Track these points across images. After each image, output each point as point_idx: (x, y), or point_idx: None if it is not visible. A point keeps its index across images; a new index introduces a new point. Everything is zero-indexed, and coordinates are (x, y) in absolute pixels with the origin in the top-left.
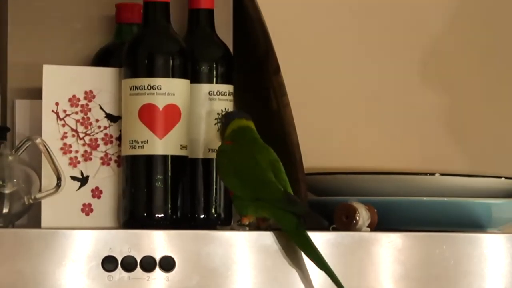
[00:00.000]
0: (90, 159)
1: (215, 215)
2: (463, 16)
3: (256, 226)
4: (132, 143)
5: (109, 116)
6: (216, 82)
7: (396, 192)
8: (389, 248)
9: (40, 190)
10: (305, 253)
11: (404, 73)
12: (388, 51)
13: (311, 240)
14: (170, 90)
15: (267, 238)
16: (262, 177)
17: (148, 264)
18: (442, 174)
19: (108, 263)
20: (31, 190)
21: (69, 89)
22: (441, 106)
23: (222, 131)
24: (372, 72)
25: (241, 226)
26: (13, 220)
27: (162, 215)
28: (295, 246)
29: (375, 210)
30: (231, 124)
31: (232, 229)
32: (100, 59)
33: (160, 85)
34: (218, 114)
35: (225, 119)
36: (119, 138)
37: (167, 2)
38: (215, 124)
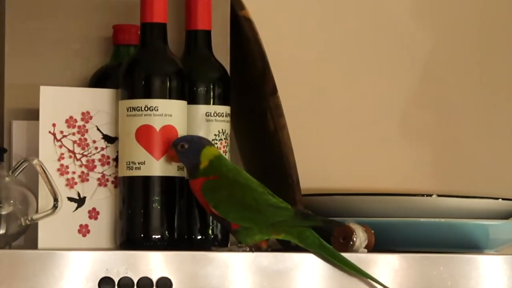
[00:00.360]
0: (87, 180)
1: (212, 236)
2: (457, 36)
3: (257, 247)
4: (129, 164)
5: (106, 137)
6: (213, 103)
7: (394, 213)
8: (386, 270)
9: (37, 211)
10: (336, 262)
11: (401, 95)
12: (385, 72)
13: (335, 250)
14: (167, 111)
15: (264, 259)
16: (268, 202)
17: (145, 285)
18: (439, 195)
19: (105, 284)
20: (28, 211)
21: (66, 110)
22: (438, 127)
23: (191, 159)
24: (370, 93)
25: (240, 248)
26: (9, 241)
27: (159, 236)
28: (291, 267)
29: (372, 231)
30: (205, 153)
31: (230, 250)
32: (98, 80)
33: (157, 106)
34: (215, 135)
35: (192, 145)
36: (116, 159)
37: (164, 24)
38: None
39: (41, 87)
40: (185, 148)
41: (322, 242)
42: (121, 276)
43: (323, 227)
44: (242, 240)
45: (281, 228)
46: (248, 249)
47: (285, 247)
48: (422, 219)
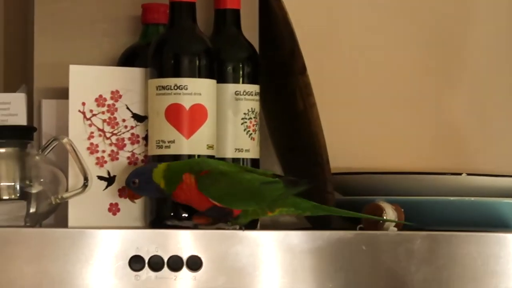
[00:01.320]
0: (117, 158)
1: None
2: (489, 19)
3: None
4: (158, 143)
5: (135, 116)
6: (243, 82)
7: (423, 192)
8: (416, 248)
9: (67, 190)
10: (334, 214)
11: (431, 73)
12: (415, 51)
13: (327, 206)
14: (196, 90)
15: (294, 237)
16: (260, 180)
17: (175, 264)
18: (469, 174)
19: (135, 263)
20: (58, 190)
21: (96, 89)
22: (467, 105)
23: (150, 188)
24: (399, 71)
25: (230, 226)
26: (40, 220)
27: (188, 214)
28: (322, 245)
29: (402, 210)
30: (155, 176)
31: (218, 228)
32: (126, 59)
33: (187, 85)
34: (244, 114)
35: (141, 176)
36: (145, 138)
37: (193, 2)
38: (241, 123)
39: (71, 66)
40: (137, 183)
41: (313, 203)
42: (151, 254)
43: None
44: (238, 223)
45: (276, 203)
46: (238, 227)
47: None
48: (451, 198)
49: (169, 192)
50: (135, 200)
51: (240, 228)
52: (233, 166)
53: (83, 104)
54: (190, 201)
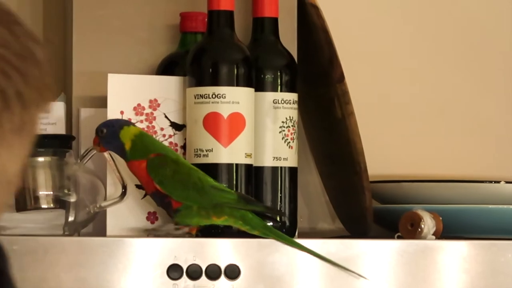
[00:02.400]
0: None
1: (280, 223)
2: None
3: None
4: (197, 151)
5: (173, 125)
6: (281, 91)
7: (462, 200)
8: (454, 257)
9: (105, 199)
10: (282, 241)
11: (469, 79)
12: (453, 58)
13: (278, 231)
14: (234, 99)
15: (332, 246)
16: (211, 183)
17: (213, 272)
18: (507, 182)
19: (173, 272)
20: (96, 199)
21: (134, 98)
22: (505, 111)
23: (113, 143)
24: (437, 78)
25: (178, 230)
26: (78, 229)
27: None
28: (359, 254)
29: (440, 218)
30: (124, 135)
31: (168, 234)
32: (165, 68)
33: (225, 94)
34: (282, 122)
35: (110, 128)
36: (184, 147)
37: (231, 11)
38: (279, 132)
39: (109, 75)
40: (104, 133)
41: (265, 223)
42: (190, 263)
43: (265, 213)
44: (180, 221)
45: (223, 210)
46: (187, 229)
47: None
48: (489, 206)
49: (132, 157)
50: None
51: (190, 235)
52: (197, 169)
53: (122, 112)
54: (140, 179)
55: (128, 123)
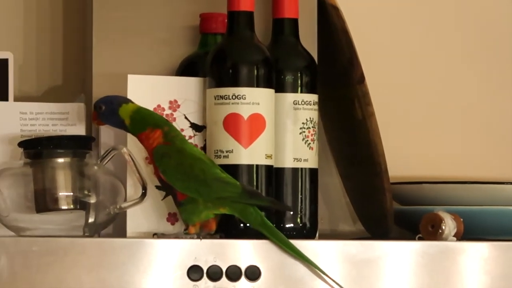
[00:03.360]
0: None
1: (300, 225)
2: None
3: (206, 233)
4: (217, 152)
5: (194, 126)
6: (301, 92)
7: (483, 201)
8: (475, 258)
9: (125, 200)
10: (279, 244)
11: (491, 80)
12: (474, 59)
13: (277, 230)
14: (254, 100)
15: (353, 247)
16: (216, 175)
17: (233, 274)
18: None
19: (194, 273)
20: (116, 200)
21: (154, 99)
22: None
23: (112, 119)
24: (458, 79)
25: (187, 235)
26: (98, 230)
27: (248, 224)
28: (380, 255)
29: (461, 219)
30: (122, 112)
31: (177, 237)
32: (185, 69)
33: (245, 95)
34: (303, 123)
35: (108, 105)
36: (204, 148)
37: (251, 12)
38: (300, 133)
39: (129, 76)
40: (103, 110)
41: (264, 220)
42: (210, 264)
43: (268, 207)
44: (187, 219)
45: (225, 203)
46: (195, 236)
47: None
48: (511, 207)
49: (134, 132)
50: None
51: (198, 237)
52: (205, 158)
53: None
54: (148, 152)
55: (126, 100)
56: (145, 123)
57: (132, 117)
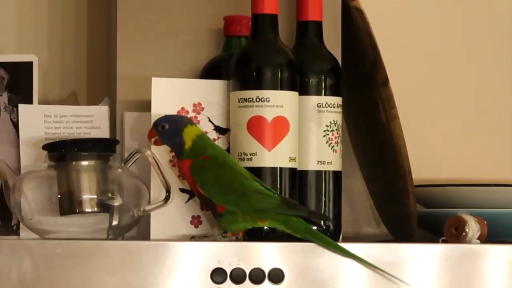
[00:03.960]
0: None
1: (324, 227)
2: None
3: (235, 236)
4: (241, 155)
5: (217, 129)
6: (325, 94)
7: (507, 204)
8: (499, 261)
9: (149, 203)
10: (325, 245)
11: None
12: (497, 60)
13: (321, 234)
14: (278, 102)
15: (376, 250)
16: (254, 188)
17: (257, 277)
18: None
19: (217, 275)
20: (140, 203)
21: (178, 102)
22: None
23: (173, 139)
24: (482, 82)
25: (225, 237)
26: (122, 232)
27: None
28: (403, 258)
29: (485, 222)
30: (187, 133)
31: (215, 240)
32: (209, 72)
33: (269, 97)
34: (326, 126)
35: (172, 125)
36: (228, 150)
37: (275, 15)
38: (324, 136)
39: (153, 79)
40: (166, 129)
41: (308, 227)
42: (233, 267)
43: (308, 218)
44: (226, 227)
45: (266, 215)
46: (235, 238)
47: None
48: None
49: (183, 157)
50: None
51: (237, 239)
52: (244, 170)
53: None
54: (187, 180)
55: (191, 122)
56: (203, 151)
57: (194, 140)
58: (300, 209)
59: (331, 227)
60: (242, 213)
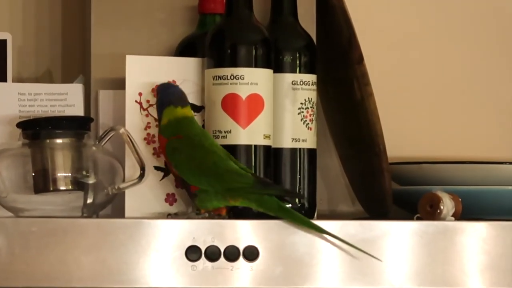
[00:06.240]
0: None
1: (299, 205)
2: None
3: (216, 214)
4: (215, 133)
5: (192, 106)
6: (300, 72)
7: (481, 181)
8: (473, 238)
9: (123, 180)
10: (296, 223)
11: (490, 59)
12: (472, 38)
13: (294, 211)
14: (253, 80)
15: (351, 227)
16: (228, 167)
17: (231, 254)
18: None
19: (192, 253)
20: (115, 180)
21: (153, 79)
22: None
23: (158, 110)
24: (457, 59)
25: (199, 215)
26: (97, 211)
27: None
28: (379, 235)
29: (460, 199)
30: (167, 112)
31: (189, 217)
32: (183, 49)
33: (243, 75)
34: (301, 103)
35: (160, 96)
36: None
37: None
38: (298, 113)
39: (127, 56)
40: (156, 99)
41: (281, 205)
42: (208, 244)
43: (281, 196)
44: (200, 205)
45: (238, 194)
46: (207, 214)
47: None
48: (509, 187)
49: (160, 132)
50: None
51: (210, 217)
52: (221, 150)
53: (140, 94)
54: (164, 157)
55: (179, 103)
56: (173, 132)
57: (170, 121)
58: (273, 187)
59: (306, 205)
60: (215, 192)
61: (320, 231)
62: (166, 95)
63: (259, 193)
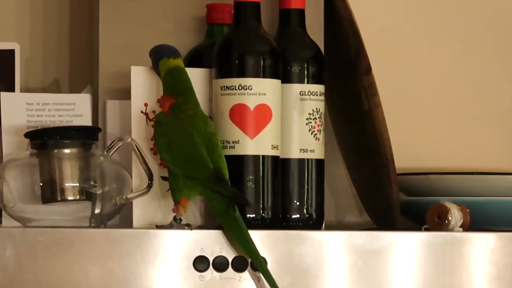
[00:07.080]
0: None
1: (306, 215)
2: None
3: (197, 225)
4: (223, 143)
5: None
6: (307, 82)
7: (489, 192)
8: (481, 249)
9: (131, 190)
10: (234, 238)
11: (498, 71)
12: (481, 51)
13: (242, 224)
14: (261, 90)
15: (359, 238)
16: (194, 153)
17: (239, 264)
18: None
19: (200, 263)
20: (123, 191)
21: (159, 90)
22: None
23: (155, 69)
24: (465, 71)
25: (180, 225)
26: (104, 221)
27: (254, 215)
28: (386, 246)
29: (468, 210)
30: (161, 65)
31: (171, 227)
32: (191, 60)
33: (251, 85)
34: (309, 114)
35: (153, 55)
36: None
37: (258, 2)
38: (306, 124)
39: (132, 67)
40: (151, 59)
41: (228, 209)
42: (216, 255)
43: (229, 197)
44: (173, 196)
45: (195, 183)
46: (186, 227)
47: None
48: None
49: (164, 90)
50: None
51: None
52: (200, 135)
53: (146, 105)
54: None
55: (170, 54)
56: (170, 86)
57: (165, 73)
58: (224, 186)
59: (314, 215)
60: (182, 177)
61: (251, 251)
62: (159, 49)
63: (210, 188)
